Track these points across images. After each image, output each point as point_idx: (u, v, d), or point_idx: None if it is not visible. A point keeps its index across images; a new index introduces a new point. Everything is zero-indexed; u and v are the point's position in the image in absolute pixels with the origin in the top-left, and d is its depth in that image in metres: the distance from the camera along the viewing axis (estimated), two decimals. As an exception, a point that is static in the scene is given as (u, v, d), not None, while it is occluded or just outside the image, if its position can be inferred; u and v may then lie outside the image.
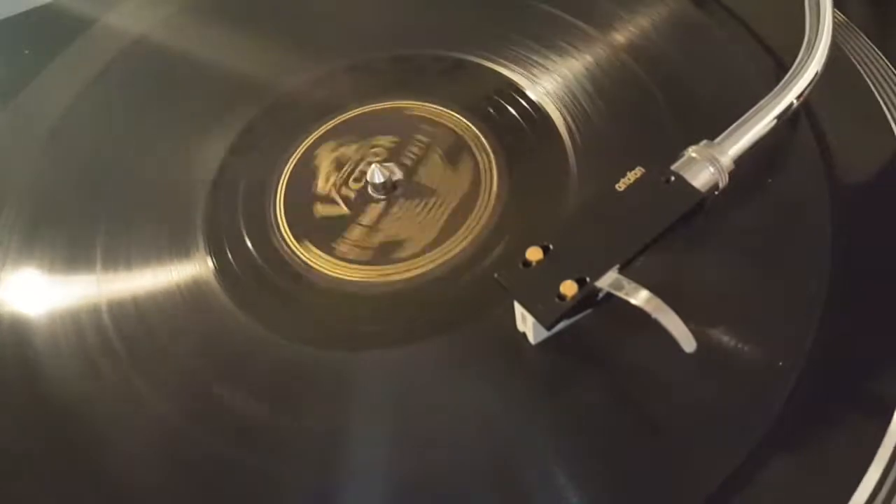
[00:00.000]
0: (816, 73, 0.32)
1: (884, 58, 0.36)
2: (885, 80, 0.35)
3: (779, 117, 0.31)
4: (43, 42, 0.44)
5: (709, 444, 0.27)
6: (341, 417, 0.29)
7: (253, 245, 0.34)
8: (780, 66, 0.35)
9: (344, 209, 0.34)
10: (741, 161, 0.31)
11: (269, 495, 0.27)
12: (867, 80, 0.35)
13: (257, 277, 0.33)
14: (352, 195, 0.35)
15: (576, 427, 0.28)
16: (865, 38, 0.37)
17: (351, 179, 0.35)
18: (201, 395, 0.30)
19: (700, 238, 0.31)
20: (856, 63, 0.36)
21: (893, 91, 0.34)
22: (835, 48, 0.33)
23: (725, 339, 0.28)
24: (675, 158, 0.30)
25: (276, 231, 0.34)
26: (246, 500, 0.27)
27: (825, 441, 0.26)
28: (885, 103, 0.34)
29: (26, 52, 0.44)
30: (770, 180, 0.32)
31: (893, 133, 0.33)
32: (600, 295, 0.27)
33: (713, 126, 0.31)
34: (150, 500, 0.28)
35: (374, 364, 0.30)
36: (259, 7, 0.44)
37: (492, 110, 0.37)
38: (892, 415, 0.26)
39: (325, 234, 0.34)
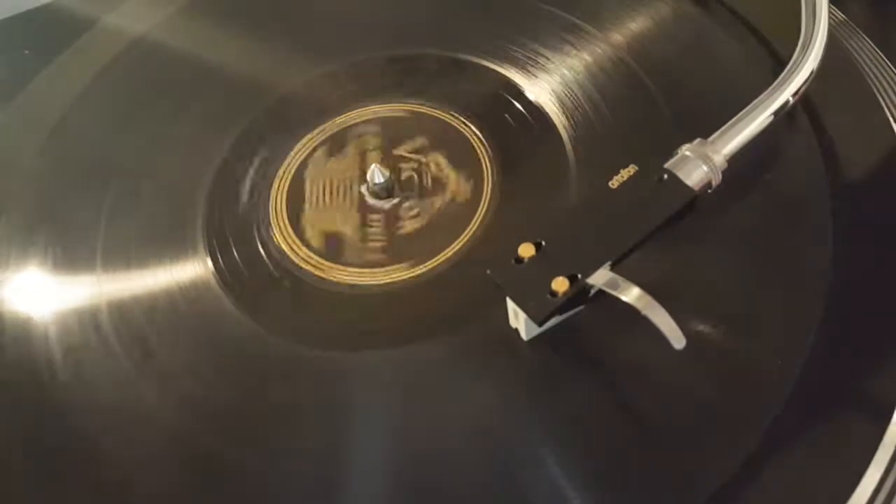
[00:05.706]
0: (812, 71, 0.32)
1: (883, 56, 0.36)
2: (884, 78, 0.35)
3: (774, 115, 0.31)
4: (43, 42, 0.44)
5: (709, 444, 0.27)
6: (340, 417, 0.29)
7: (252, 245, 0.34)
8: (779, 65, 0.35)
9: (342, 209, 0.34)
10: (741, 159, 0.30)
11: (268, 495, 0.27)
12: (866, 78, 0.35)
13: (257, 277, 0.33)
14: (352, 197, 0.35)
15: (574, 426, 0.28)
16: (865, 36, 0.37)
17: (352, 180, 0.35)
18: (200, 394, 0.30)
19: (700, 236, 0.31)
20: (855, 61, 0.36)
21: (893, 89, 0.34)
22: (834, 46, 0.33)
23: (725, 338, 0.28)
24: (669, 156, 0.30)
25: (276, 231, 0.34)
26: (246, 500, 0.28)
27: (825, 441, 0.26)
28: (885, 101, 0.34)
29: (26, 52, 0.44)
30: (769, 178, 0.32)
31: (893, 131, 0.33)
32: (592, 292, 0.27)
33: (712, 124, 0.31)
34: (149, 499, 0.28)
35: (373, 364, 0.30)
36: (259, 7, 0.44)
37: (491, 110, 0.37)
38: (891, 415, 0.26)
39: (323, 233, 0.34)
